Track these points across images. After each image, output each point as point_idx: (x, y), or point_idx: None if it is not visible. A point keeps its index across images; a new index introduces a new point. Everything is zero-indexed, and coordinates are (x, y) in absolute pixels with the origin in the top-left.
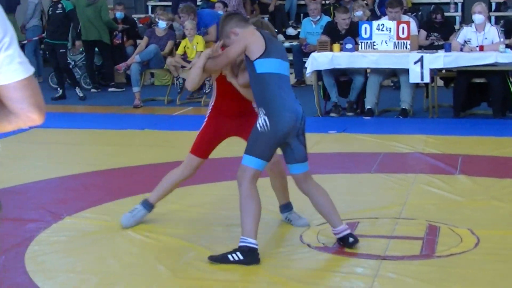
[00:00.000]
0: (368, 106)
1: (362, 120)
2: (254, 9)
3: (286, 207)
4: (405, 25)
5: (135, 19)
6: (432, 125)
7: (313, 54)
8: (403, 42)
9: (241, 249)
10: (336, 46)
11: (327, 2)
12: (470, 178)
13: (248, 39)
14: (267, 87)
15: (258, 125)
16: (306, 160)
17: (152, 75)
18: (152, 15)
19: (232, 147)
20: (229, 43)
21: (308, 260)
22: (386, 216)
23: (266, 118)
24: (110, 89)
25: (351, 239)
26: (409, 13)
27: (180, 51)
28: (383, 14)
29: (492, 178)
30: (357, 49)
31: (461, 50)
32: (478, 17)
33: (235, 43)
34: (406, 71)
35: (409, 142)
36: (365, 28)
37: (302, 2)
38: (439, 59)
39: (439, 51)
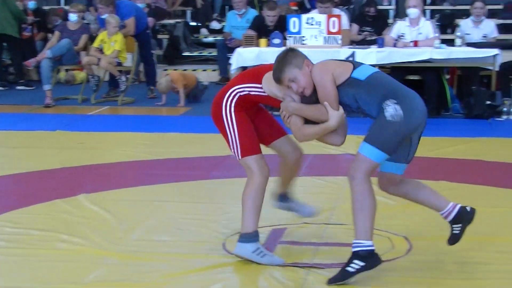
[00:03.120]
0: None
1: None
2: (175, 0)
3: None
4: (336, 19)
5: (47, 10)
6: (364, 125)
7: (238, 50)
8: (334, 37)
9: (359, 255)
10: (263, 41)
11: None
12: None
13: (328, 67)
14: (383, 80)
15: (387, 114)
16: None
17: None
18: (66, 7)
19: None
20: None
21: (234, 269)
22: (315, 221)
23: (397, 107)
24: (18, 87)
25: (467, 209)
26: (341, 6)
27: (96, 44)
28: (313, 7)
29: (426, 180)
30: (285, 44)
31: (395, 45)
32: (413, 11)
33: (320, 77)
34: None
35: None
36: (294, 22)
37: None
38: (371, 55)
39: (371, 46)
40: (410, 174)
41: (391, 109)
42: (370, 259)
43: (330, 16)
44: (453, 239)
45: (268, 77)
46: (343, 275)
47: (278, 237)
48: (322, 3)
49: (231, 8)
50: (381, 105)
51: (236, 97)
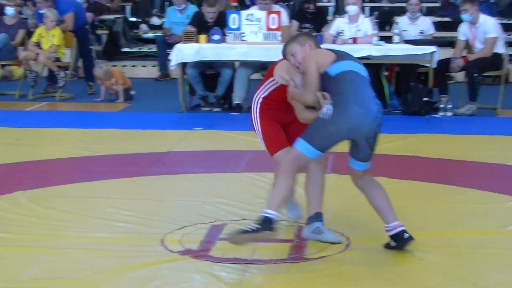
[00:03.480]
0: (236, 101)
1: (230, 116)
2: None
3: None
4: (275, 15)
5: None
6: None
7: (178, 46)
8: (274, 34)
9: (259, 219)
10: (202, 37)
11: None
12: (341, 177)
13: (315, 55)
14: (341, 82)
15: (321, 112)
16: (369, 160)
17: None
18: (3, 1)
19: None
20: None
21: (173, 266)
22: (254, 217)
23: (330, 107)
24: None
25: (406, 235)
26: (280, 3)
27: (34, 38)
28: (253, 3)
29: None
30: (225, 41)
31: (334, 42)
32: (352, 8)
33: (306, 65)
34: None
35: None
36: (234, 18)
37: None
38: None
39: None
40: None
41: (325, 108)
42: (265, 224)
43: (269, 12)
44: (388, 247)
45: (277, 65)
46: (237, 230)
47: (218, 233)
48: None
49: (171, 3)
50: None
51: (260, 101)
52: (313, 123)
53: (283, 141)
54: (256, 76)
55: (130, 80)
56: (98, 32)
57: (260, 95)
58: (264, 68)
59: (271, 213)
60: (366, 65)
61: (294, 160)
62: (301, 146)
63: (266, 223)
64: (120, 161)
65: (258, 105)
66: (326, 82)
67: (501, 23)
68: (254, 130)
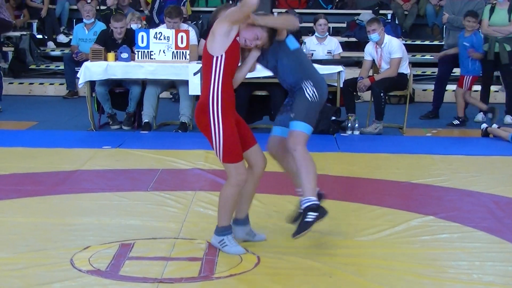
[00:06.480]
0: (145, 119)
1: (139, 134)
2: (23, 14)
3: None
4: (184, 34)
5: None
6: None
7: (85, 64)
8: (182, 52)
9: (311, 208)
10: (110, 55)
11: (101, 7)
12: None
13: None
14: (305, 61)
15: (307, 96)
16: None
17: None
18: None
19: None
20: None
21: (80, 286)
22: (164, 236)
23: (314, 89)
24: None
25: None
26: (189, 21)
27: None
28: (162, 21)
29: (273, 195)
30: (133, 59)
31: None
32: None
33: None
34: (186, 82)
35: (188, 157)
36: (142, 36)
37: (75, 7)
38: None
39: None
40: (259, 189)
41: (310, 91)
42: (320, 210)
43: (178, 31)
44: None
45: (210, 38)
46: (306, 226)
47: (126, 252)
48: (170, 18)
49: (78, 21)
50: (301, 83)
51: (220, 90)
52: (302, 105)
53: (240, 153)
54: (165, 94)
55: None
56: (4, 49)
57: (216, 84)
58: (173, 86)
59: (315, 199)
60: (274, 84)
61: (304, 142)
62: (304, 127)
63: (319, 210)
64: (26, 179)
65: (219, 99)
66: (282, 52)
67: (405, 44)
68: (208, 128)
